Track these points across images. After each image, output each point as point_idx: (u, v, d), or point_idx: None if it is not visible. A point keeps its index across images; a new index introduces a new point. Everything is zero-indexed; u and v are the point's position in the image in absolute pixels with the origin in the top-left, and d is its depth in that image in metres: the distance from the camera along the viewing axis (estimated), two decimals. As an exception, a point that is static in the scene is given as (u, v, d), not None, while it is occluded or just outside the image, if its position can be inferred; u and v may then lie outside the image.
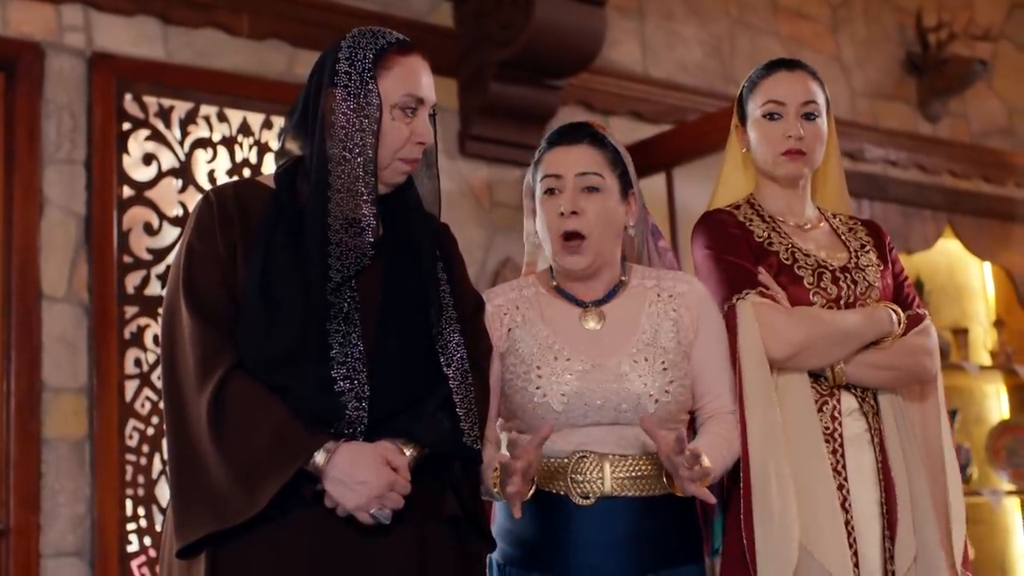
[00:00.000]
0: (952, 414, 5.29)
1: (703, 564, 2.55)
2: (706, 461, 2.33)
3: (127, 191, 4.22)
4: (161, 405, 4.00)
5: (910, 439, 2.66)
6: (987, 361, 5.76)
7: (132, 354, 4.14)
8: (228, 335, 2.18)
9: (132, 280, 4.18)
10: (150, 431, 4.11)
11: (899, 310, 2.67)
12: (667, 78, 5.57)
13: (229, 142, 4.48)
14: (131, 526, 4.05)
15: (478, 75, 4.90)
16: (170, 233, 4.30)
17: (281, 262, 2.21)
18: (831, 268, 2.69)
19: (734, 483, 2.54)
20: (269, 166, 4.49)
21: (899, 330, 2.65)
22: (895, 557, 2.58)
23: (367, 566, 2.16)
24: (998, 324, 5.85)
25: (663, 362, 2.46)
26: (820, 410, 2.60)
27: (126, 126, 4.25)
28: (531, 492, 2.37)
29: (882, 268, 2.75)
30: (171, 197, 4.33)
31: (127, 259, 4.18)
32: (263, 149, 4.53)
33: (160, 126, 4.33)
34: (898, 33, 6.44)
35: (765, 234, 2.71)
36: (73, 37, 4.18)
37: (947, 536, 2.65)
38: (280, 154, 2.35)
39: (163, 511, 4.07)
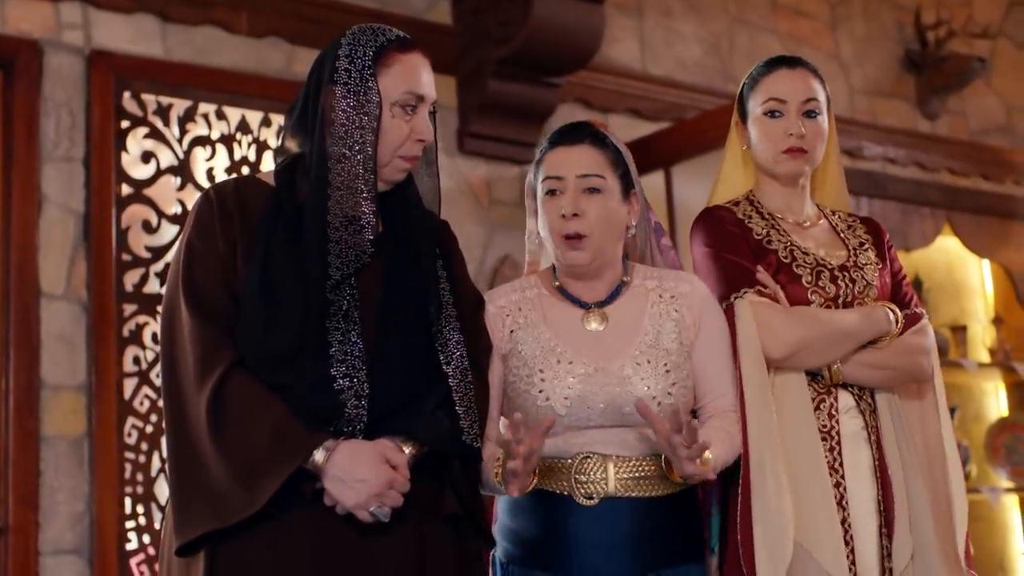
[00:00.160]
0: (951, 412, 5.29)
1: (705, 563, 2.55)
2: (705, 443, 2.33)
3: (126, 189, 4.22)
4: (160, 403, 4.02)
5: (907, 437, 2.66)
6: (986, 358, 5.76)
7: (131, 352, 4.14)
8: (228, 333, 2.18)
9: (131, 278, 4.18)
10: (149, 429, 4.11)
11: (897, 309, 2.67)
12: (666, 75, 5.57)
13: (228, 140, 4.47)
14: (130, 524, 4.05)
15: (476, 72, 4.89)
16: (169, 231, 4.30)
17: (281, 259, 2.21)
18: (829, 267, 2.69)
19: (732, 482, 2.54)
20: (268, 164, 4.48)
21: (896, 329, 2.65)
22: (892, 555, 2.58)
23: (366, 564, 2.16)
24: (997, 321, 5.85)
25: (665, 364, 2.46)
26: (817, 408, 2.60)
27: (125, 124, 4.25)
28: (532, 484, 2.37)
29: (880, 266, 2.75)
30: (170, 195, 4.33)
31: (126, 257, 4.18)
32: (262, 147, 4.53)
33: (159, 124, 4.33)
34: (897, 30, 6.43)
35: (764, 232, 2.71)
36: (72, 35, 4.17)
37: (948, 534, 2.65)
38: (280, 152, 2.35)
39: (162, 509, 4.07)
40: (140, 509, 4.07)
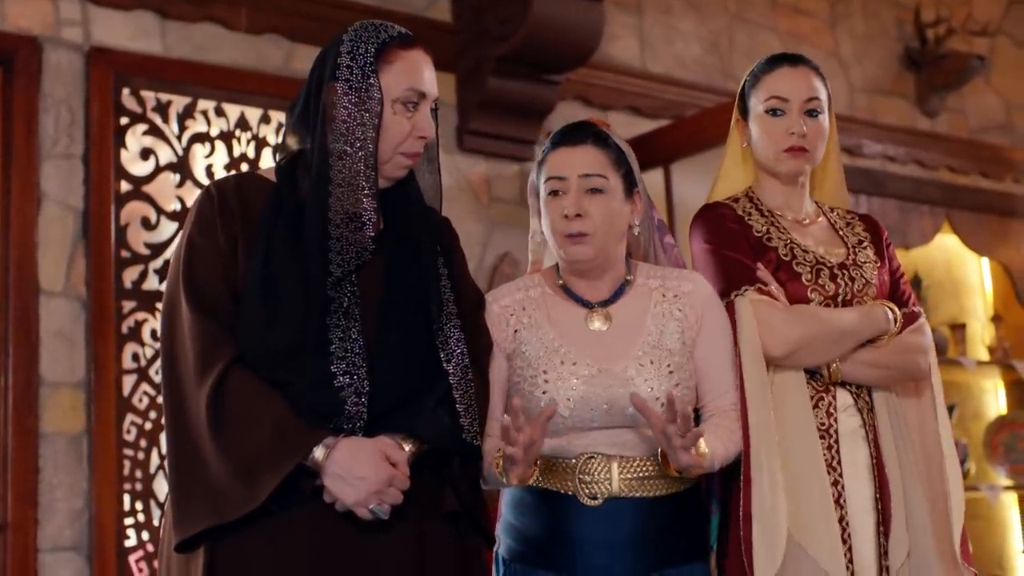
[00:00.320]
0: (950, 410, 5.29)
1: (708, 562, 2.55)
2: (699, 432, 2.33)
3: (125, 186, 4.21)
4: (159, 400, 4.03)
5: (904, 435, 2.66)
6: (985, 356, 5.76)
7: (130, 349, 4.14)
8: (228, 329, 2.18)
9: (130, 275, 4.18)
10: (148, 426, 4.11)
11: (896, 308, 2.67)
12: (665, 73, 5.56)
13: (227, 136, 4.47)
14: (129, 521, 4.05)
15: (476, 70, 4.89)
16: (168, 228, 4.30)
17: (282, 256, 2.21)
18: (829, 265, 2.69)
19: (733, 480, 2.54)
20: (267, 161, 4.48)
21: (895, 328, 2.65)
22: (889, 553, 2.58)
23: (366, 561, 2.16)
24: (996, 319, 5.85)
25: (668, 365, 2.46)
26: (816, 406, 2.60)
27: (124, 120, 4.24)
28: (533, 476, 2.38)
29: (879, 264, 2.75)
30: (169, 192, 4.32)
31: (125, 254, 4.18)
32: (261, 143, 4.52)
33: (158, 121, 4.32)
34: (896, 29, 6.43)
35: (764, 229, 2.71)
36: (71, 31, 4.17)
37: (945, 532, 2.65)
38: (281, 148, 2.35)
39: (161, 506, 4.07)
40: (139, 506, 4.07)
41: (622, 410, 2.41)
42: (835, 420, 2.61)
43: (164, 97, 4.35)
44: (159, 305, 4.07)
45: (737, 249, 2.65)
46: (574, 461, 2.45)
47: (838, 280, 2.67)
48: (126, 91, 4.26)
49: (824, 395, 2.62)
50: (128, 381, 4.11)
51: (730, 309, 2.58)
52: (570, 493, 2.44)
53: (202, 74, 4.39)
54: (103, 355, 4.02)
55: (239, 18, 4.48)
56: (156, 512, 4.08)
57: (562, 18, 4.73)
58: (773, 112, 2.72)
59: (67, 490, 3.94)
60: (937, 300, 5.74)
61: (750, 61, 2.90)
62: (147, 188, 4.27)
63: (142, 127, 4.29)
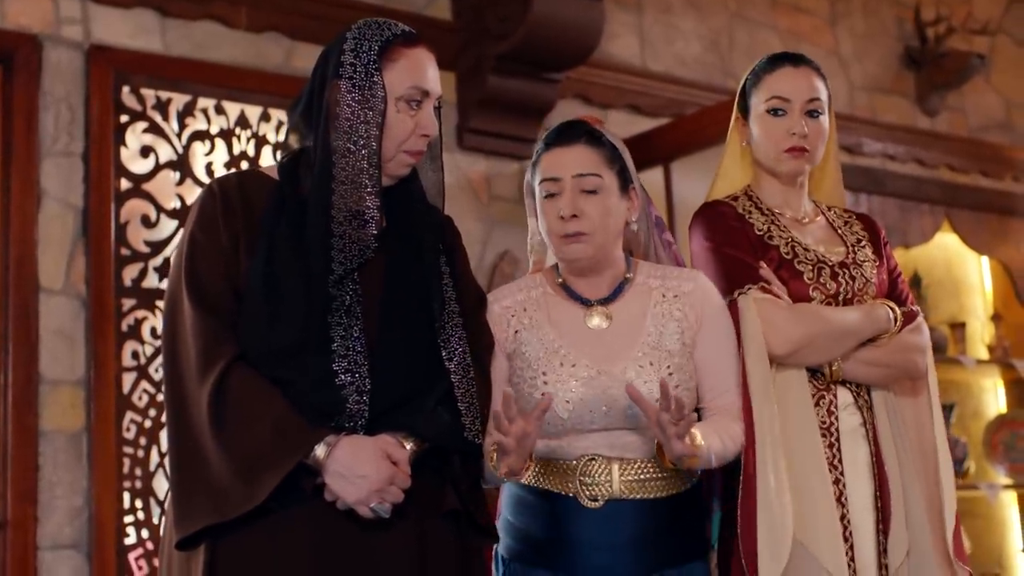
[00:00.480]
0: (949, 408, 5.30)
1: (708, 560, 2.55)
2: (692, 418, 2.32)
3: (125, 184, 4.21)
4: (159, 397, 4.04)
5: (902, 434, 2.66)
6: (984, 355, 5.76)
7: (129, 346, 4.14)
8: (230, 327, 2.17)
9: (130, 273, 4.18)
10: (147, 423, 4.11)
11: (896, 307, 2.68)
12: (665, 72, 5.56)
13: (227, 135, 4.47)
14: (128, 519, 4.05)
15: (476, 68, 4.89)
16: (168, 226, 4.29)
17: (284, 254, 2.21)
18: (830, 263, 2.69)
19: (734, 478, 2.54)
20: (267, 159, 4.48)
21: (896, 328, 2.65)
22: (888, 551, 2.59)
23: (367, 560, 2.16)
24: (995, 318, 5.84)
25: (668, 366, 2.45)
26: (817, 404, 2.61)
27: (124, 118, 4.24)
28: (527, 472, 2.35)
29: (878, 263, 2.76)
30: (169, 190, 4.32)
31: (124, 252, 4.18)
32: (261, 142, 4.52)
33: (158, 119, 4.32)
34: (896, 27, 6.43)
35: (765, 227, 2.71)
36: (71, 29, 4.17)
37: (941, 530, 2.65)
38: (284, 146, 2.34)
39: (160, 504, 4.07)
40: (139, 504, 4.07)
41: (622, 411, 2.41)
42: (836, 418, 2.61)
43: (164, 95, 4.34)
44: (159, 303, 4.11)
45: (738, 247, 2.65)
46: (575, 463, 2.44)
47: (839, 279, 2.67)
48: (126, 89, 4.25)
49: (825, 393, 2.62)
50: (128, 379, 4.11)
51: (733, 307, 2.58)
52: (571, 495, 2.44)
53: (202, 72, 4.39)
54: (103, 353, 4.02)
55: (239, 16, 4.47)
56: (156, 510, 4.08)
57: (562, 16, 4.73)
58: (774, 112, 2.72)
59: (67, 488, 3.94)
60: (937, 299, 5.74)
61: (750, 60, 2.89)
62: (147, 186, 4.27)
63: (142, 125, 4.29)
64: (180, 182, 4.34)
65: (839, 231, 2.78)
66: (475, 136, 4.95)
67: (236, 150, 4.47)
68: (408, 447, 2.18)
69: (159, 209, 4.28)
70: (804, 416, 2.57)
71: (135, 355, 4.14)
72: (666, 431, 2.27)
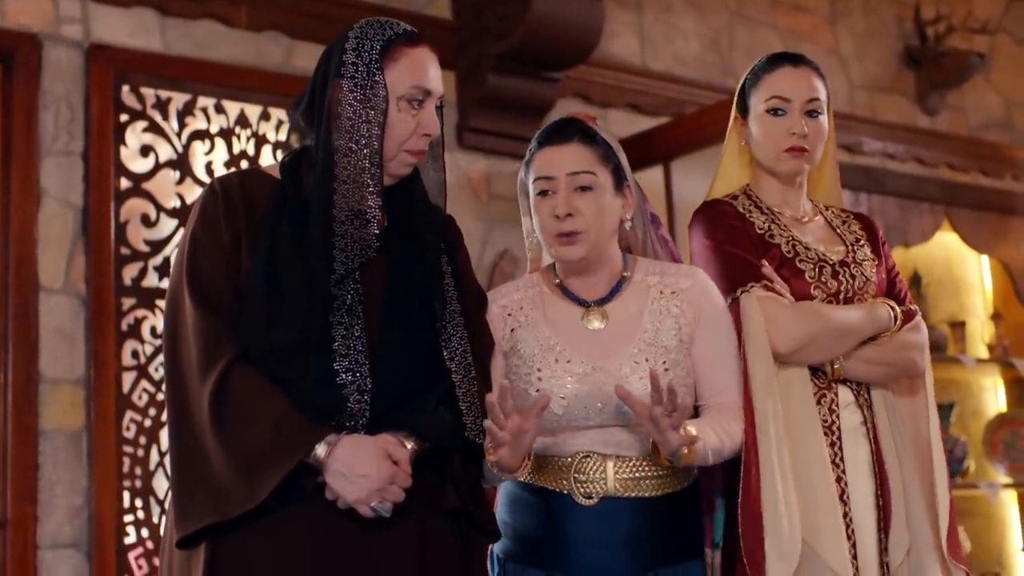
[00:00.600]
0: (949, 407, 5.29)
1: (704, 559, 2.55)
2: (687, 405, 2.30)
3: (124, 183, 4.21)
4: (159, 397, 4.04)
5: (901, 433, 2.67)
6: (984, 354, 5.75)
7: (129, 346, 4.14)
8: (231, 326, 2.17)
9: (129, 272, 4.18)
10: (147, 423, 4.11)
11: (896, 306, 2.68)
12: (665, 71, 5.56)
13: (227, 134, 4.47)
14: (128, 518, 4.05)
15: (476, 67, 4.89)
16: (167, 225, 4.29)
17: (286, 253, 2.21)
18: (831, 262, 2.69)
19: (736, 476, 2.53)
20: (267, 158, 4.48)
21: (896, 326, 2.65)
22: (889, 549, 2.59)
23: (367, 559, 2.16)
24: (995, 317, 5.84)
25: (664, 362, 2.44)
26: (818, 403, 2.61)
27: (123, 117, 4.24)
28: (524, 469, 2.32)
29: (877, 263, 2.76)
30: (168, 189, 4.32)
31: (124, 251, 4.18)
32: (261, 141, 4.52)
33: (157, 118, 4.32)
34: (896, 26, 6.43)
35: (766, 226, 2.71)
36: (71, 28, 4.17)
37: (938, 529, 2.66)
38: (285, 145, 2.34)
39: (160, 503, 4.08)
40: (139, 503, 4.07)
41: (616, 408, 2.39)
42: (837, 417, 2.61)
43: (164, 94, 4.34)
44: (159, 302, 4.11)
45: (739, 245, 2.65)
46: (569, 460, 2.44)
47: (840, 277, 2.67)
48: (126, 88, 4.25)
49: (826, 392, 2.62)
50: (128, 378, 4.11)
51: (735, 305, 2.58)
52: (565, 492, 2.44)
53: (202, 71, 4.38)
54: (103, 352, 4.02)
55: (239, 15, 4.47)
56: (156, 509, 4.08)
57: (562, 15, 4.73)
58: (774, 112, 2.72)
59: (67, 487, 3.94)
60: (937, 298, 5.73)
61: (750, 58, 2.89)
62: (147, 185, 4.27)
63: (142, 124, 4.29)
64: (180, 181, 4.34)
65: (838, 230, 2.79)
66: (475, 135, 4.95)
67: (236, 149, 4.47)
68: (409, 446, 2.18)
69: (159, 208, 4.28)
70: (807, 414, 2.56)
71: (135, 354, 4.14)
72: (660, 424, 2.24)
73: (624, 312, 2.51)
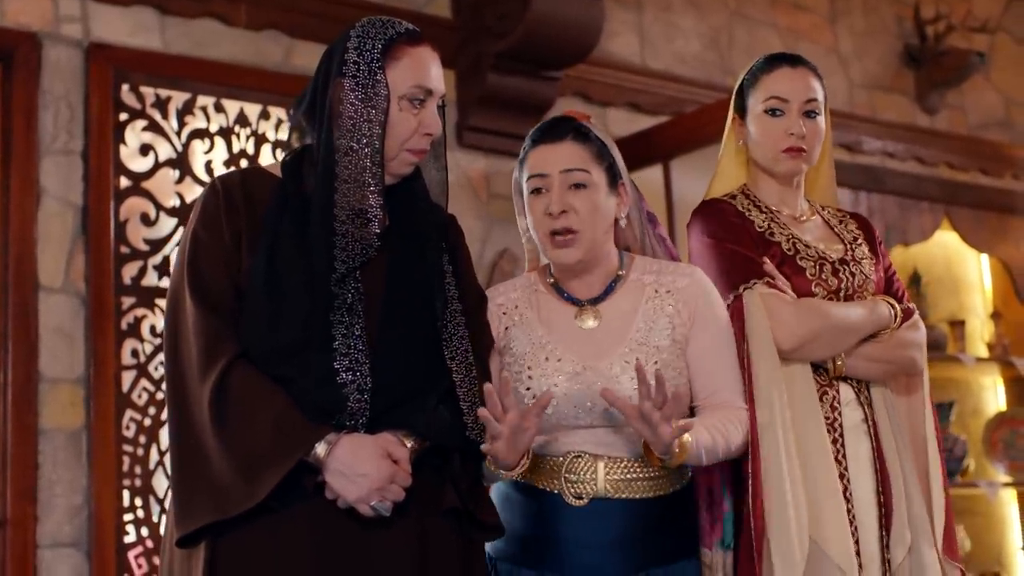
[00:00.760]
0: (949, 406, 5.29)
1: (698, 560, 2.52)
2: (679, 393, 2.29)
3: (124, 182, 4.21)
4: (158, 396, 4.04)
5: (901, 431, 2.67)
6: (984, 353, 5.75)
7: (129, 345, 4.13)
8: (232, 324, 2.17)
9: (129, 271, 4.18)
10: (147, 422, 4.11)
11: (896, 304, 2.69)
12: (665, 70, 5.56)
13: (226, 133, 4.47)
14: (128, 517, 4.05)
15: (475, 66, 4.89)
16: (167, 224, 4.29)
17: (286, 252, 2.20)
18: (831, 260, 2.70)
19: (745, 477, 2.53)
20: (266, 157, 4.48)
21: (896, 324, 2.66)
22: (890, 546, 2.59)
23: (367, 558, 2.16)
24: (995, 316, 5.84)
25: (656, 362, 2.42)
26: (820, 400, 2.61)
27: (123, 116, 4.24)
28: (521, 466, 2.31)
29: (874, 261, 2.77)
30: (168, 188, 4.32)
31: (124, 250, 4.17)
32: (260, 140, 4.52)
33: (157, 116, 4.32)
34: (896, 25, 6.43)
35: (766, 224, 2.71)
36: (70, 27, 4.16)
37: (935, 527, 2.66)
38: (285, 144, 2.34)
39: (160, 502, 4.08)
40: (138, 502, 4.07)
41: (606, 408, 2.37)
42: (839, 414, 2.62)
43: (163, 93, 4.34)
44: (158, 301, 4.11)
45: (740, 243, 2.65)
46: (561, 459, 2.43)
47: (840, 275, 2.68)
48: (125, 87, 4.25)
49: (828, 389, 2.63)
50: (127, 377, 4.11)
51: (738, 303, 2.58)
52: (555, 492, 2.43)
53: (201, 70, 4.38)
54: (102, 351, 4.02)
55: (239, 14, 4.47)
56: (155, 508, 4.08)
57: (562, 14, 4.73)
58: (772, 112, 2.72)
59: (66, 486, 3.93)
60: (936, 297, 5.73)
61: (750, 57, 2.89)
62: (146, 184, 4.27)
63: (141, 123, 4.29)
64: (179, 180, 4.34)
65: (835, 229, 2.79)
66: (474, 134, 4.95)
67: (235, 148, 4.46)
68: (409, 445, 2.18)
69: (158, 207, 4.28)
70: (810, 411, 2.57)
71: (135, 353, 4.14)
72: (651, 419, 2.22)
73: (618, 311, 2.50)
